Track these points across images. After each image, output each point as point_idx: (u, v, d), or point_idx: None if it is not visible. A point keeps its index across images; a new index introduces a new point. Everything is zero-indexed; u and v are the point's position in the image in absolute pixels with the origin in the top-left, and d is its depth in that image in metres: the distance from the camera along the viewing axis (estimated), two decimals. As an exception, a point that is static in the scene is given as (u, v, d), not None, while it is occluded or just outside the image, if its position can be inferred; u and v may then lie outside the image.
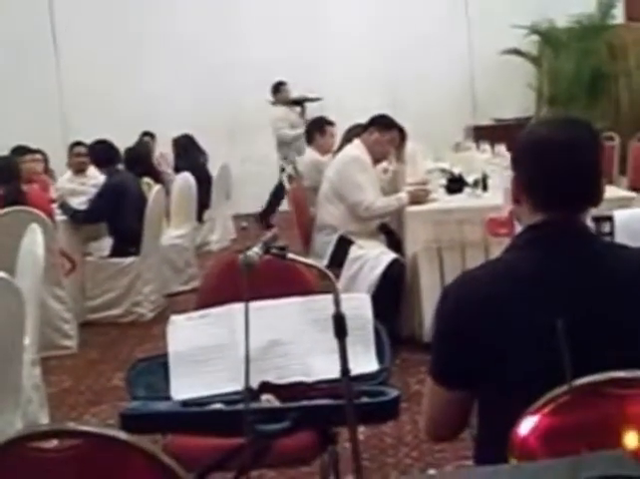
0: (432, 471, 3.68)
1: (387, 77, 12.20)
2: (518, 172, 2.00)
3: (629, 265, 1.91)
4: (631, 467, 1.26)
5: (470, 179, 5.91)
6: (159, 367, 2.78)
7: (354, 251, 5.46)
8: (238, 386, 2.42)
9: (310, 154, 7.52)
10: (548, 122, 2.16)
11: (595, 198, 1.97)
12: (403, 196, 5.61)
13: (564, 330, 1.68)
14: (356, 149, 5.70)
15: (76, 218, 6.85)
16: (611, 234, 2.71)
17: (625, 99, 12.14)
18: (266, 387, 2.59)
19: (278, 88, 11.24)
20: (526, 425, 1.61)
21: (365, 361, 2.64)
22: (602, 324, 1.82)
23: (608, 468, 1.23)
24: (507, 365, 1.84)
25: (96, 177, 7.61)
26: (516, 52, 12.26)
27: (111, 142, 7.29)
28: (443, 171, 6.64)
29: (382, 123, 5.74)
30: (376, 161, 5.76)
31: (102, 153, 7.19)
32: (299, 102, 11.20)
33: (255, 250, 2.12)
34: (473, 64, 12.66)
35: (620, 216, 2.78)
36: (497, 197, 4.74)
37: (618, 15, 12.43)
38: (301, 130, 9.69)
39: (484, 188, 5.76)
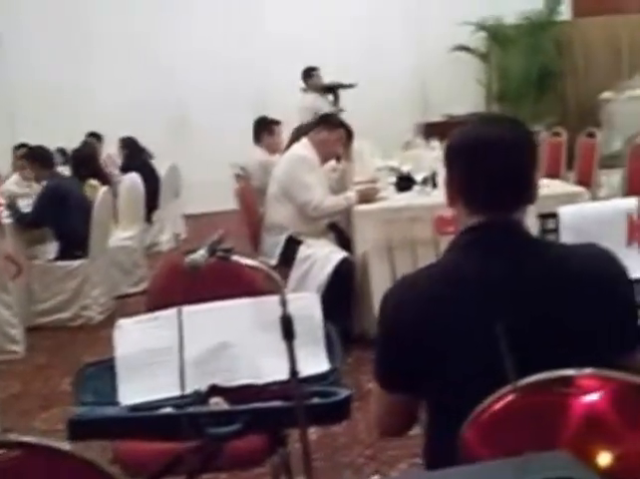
0: (375, 477, 3.70)
1: (337, 76, 12.20)
2: (454, 172, 1.97)
3: (568, 264, 1.90)
4: (576, 468, 1.27)
5: (419, 177, 5.91)
6: (107, 372, 2.73)
7: (303, 251, 5.44)
8: (187, 390, 2.41)
9: (258, 153, 7.49)
10: (482, 121, 2.11)
11: (532, 196, 1.95)
12: (351, 194, 5.61)
13: (505, 331, 1.67)
14: (304, 148, 5.69)
15: (21, 220, 6.76)
16: (556, 230, 2.72)
17: (572, 95, 12.30)
18: (215, 390, 2.56)
19: (309, 74, 10.48)
20: (472, 426, 1.61)
21: (315, 362, 2.62)
22: (543, 324, 1.82)
23: (553, 469, 1.23)
24: (448, 367, 1.84)
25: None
26: (465, 49, 12.36)
27: (46, 147, 7.24)
28: (392, 169, 6.65)
29: (329, 121, 5.74)
30: (324, 160, 5.75)
31: (39, 158, 7.09)
32: (332, 88, 10.44)
33: (201, 253, 2.10)
34: (423, 61, 12.70)
35: (565, 212, 2.79)
36: (446, 194, 4.75)
37: (565, 12, 12.60)
38: None
39: (434, 185, 5.78)
